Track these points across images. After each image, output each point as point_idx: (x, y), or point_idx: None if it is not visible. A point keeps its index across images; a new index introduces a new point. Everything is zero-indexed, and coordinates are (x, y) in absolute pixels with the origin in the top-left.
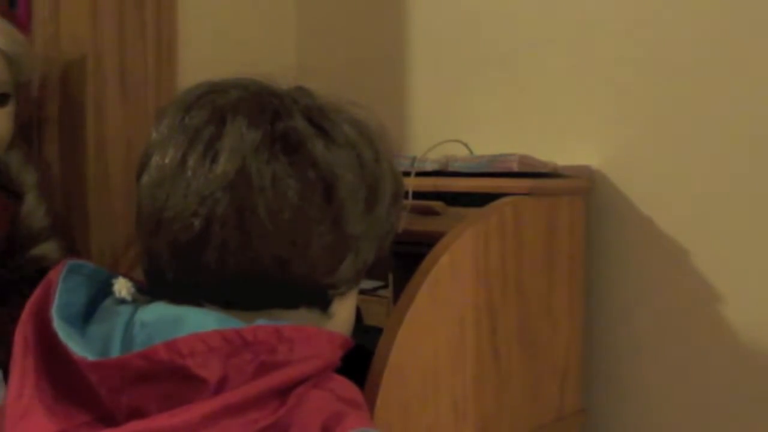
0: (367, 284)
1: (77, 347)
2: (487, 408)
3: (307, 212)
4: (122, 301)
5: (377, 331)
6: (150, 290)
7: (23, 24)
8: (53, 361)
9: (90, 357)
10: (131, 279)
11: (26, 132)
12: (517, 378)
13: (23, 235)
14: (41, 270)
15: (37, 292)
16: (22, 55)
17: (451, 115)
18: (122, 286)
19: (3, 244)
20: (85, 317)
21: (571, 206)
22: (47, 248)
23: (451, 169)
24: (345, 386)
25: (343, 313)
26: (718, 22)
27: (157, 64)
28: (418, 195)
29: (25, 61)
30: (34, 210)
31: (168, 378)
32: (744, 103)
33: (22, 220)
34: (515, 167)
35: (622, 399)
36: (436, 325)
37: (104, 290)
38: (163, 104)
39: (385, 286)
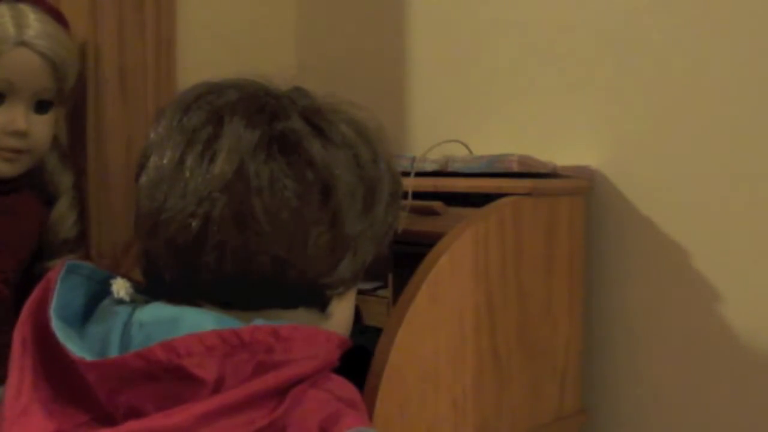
0: (367, 284)
1: (75, 347)
2: (487, 408)
3: (304, 212)
4: (120, 302)
5: (376, 331)
6: (148, 290)
7: None
8: (51, 361)
9: (88, 357)
10: (130, 279)
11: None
12: (516, 378)
13: (48, 243)
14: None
15: (36, 292)
16: (68, 63)
17: (451, 115)
18: (120, 287)
19: (32, 252)
20: (83, 317)
21: (571, 206)
22: (71, 260)
23: (450, 169)
24: (343, 386)
25: (341, 313)
26: (718, 22)
27: (157, 63)
28: (418, 195)
29: (71, 68)
30: (64, 218)
31: (165, 378)
32: (744, 103)
33: (51, 226)
34: (515, 167)
35: (622, 399)
36: (436, 325)
37: (103, 290)
38: (162, 104)
39: (385, 286)
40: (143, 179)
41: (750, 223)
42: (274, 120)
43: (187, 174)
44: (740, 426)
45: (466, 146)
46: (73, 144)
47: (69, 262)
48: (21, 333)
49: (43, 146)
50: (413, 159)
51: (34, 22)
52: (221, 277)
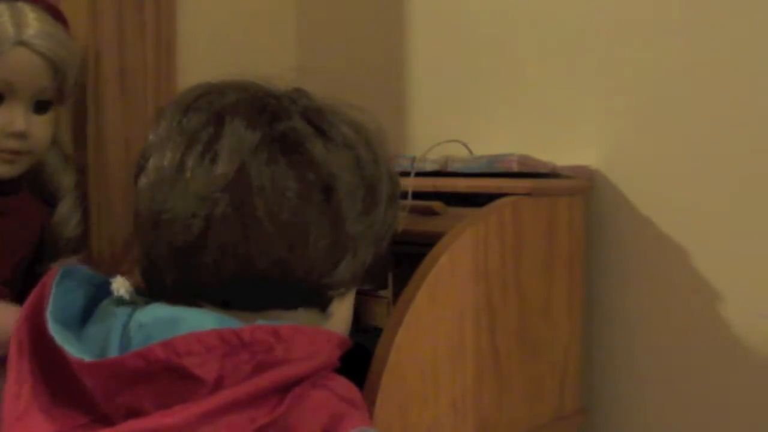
0: (367, 284)
1: (73, 349)
2: (487, 408)
3: (305, 213)
4: (120, 302)
5: (376, 331)
6: (148, 292)
7: None
8: (50, 364)
9: (87, 358)
10: (129, 280)
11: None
12: (516, 378)
13: (50, 244)
14: None
15: (32, 296)
16: (68, 62)
17: (451, 115)
18: (120, 285)
19: (32, 253)
20: (82, 320)
21: (571, 206)
22: (72, 262)
23: (450, 169)
24: (344, 386)
25: (341, 313)
26: (717, 22)
27: (157, 63)
28: (418, 195)
29: (71, 68)
30: (67, 218)
31: (165, 377)
32: (744, 103)
33: (53, 227)
34: (515, 167)
35: (622, 399)
36: (436, 325)
37: (101, 293)
38: (162, 104)
39: (385, 286)
40: (143, 181)
41: (750, 223)
42: (275, 120)
43: (188, 175)
44: (740, 425)
45: (466, 146)
46: (73, 144)
47: (65, 266)
48: (17, 337)
49: (43, 147)
50: (413, 159)
51: (34, 21)
52: (222, 277)
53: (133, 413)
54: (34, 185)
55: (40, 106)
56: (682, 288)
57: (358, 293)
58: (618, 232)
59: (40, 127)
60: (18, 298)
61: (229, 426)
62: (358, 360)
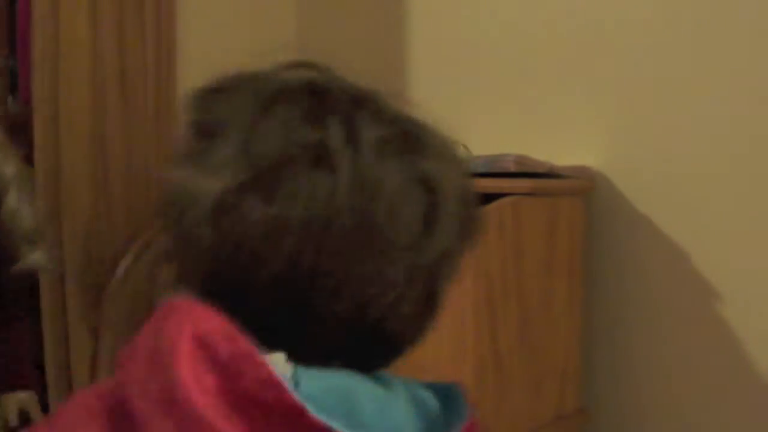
0: None
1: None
2: (487, 408)
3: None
4: None
5: None
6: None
7: (23, 24)
8: None
9: None
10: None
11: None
12: (517, 377)
13: (5, 239)
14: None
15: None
16: None
17: (450, 115)
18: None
19: None
20: None
21: (571, 206)
22: (38, 259)
23: None
24: None
25: None
26: (717, 24)
27: (157, 64)
28: None
29: None
30: (17, 209)
31: None
32: (743, 104)
33: (3, 222)
34: (512, 168)
35: (622, 399)
36: (436, 325)
37: None
38: (162, 104)
39: None
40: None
41: (750, 223)
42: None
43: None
44: (739, 425)
45: (465, 146)
46: (72, 145)
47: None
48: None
49: None
50: None
51: None
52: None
53: None
54: None
55: None
56: (682, 288)
57: None
58: (618, 233)
59: None
60: None
61: None
62: None
